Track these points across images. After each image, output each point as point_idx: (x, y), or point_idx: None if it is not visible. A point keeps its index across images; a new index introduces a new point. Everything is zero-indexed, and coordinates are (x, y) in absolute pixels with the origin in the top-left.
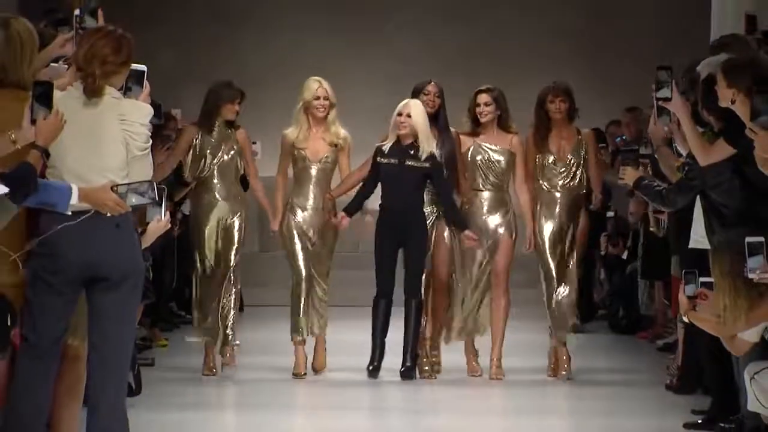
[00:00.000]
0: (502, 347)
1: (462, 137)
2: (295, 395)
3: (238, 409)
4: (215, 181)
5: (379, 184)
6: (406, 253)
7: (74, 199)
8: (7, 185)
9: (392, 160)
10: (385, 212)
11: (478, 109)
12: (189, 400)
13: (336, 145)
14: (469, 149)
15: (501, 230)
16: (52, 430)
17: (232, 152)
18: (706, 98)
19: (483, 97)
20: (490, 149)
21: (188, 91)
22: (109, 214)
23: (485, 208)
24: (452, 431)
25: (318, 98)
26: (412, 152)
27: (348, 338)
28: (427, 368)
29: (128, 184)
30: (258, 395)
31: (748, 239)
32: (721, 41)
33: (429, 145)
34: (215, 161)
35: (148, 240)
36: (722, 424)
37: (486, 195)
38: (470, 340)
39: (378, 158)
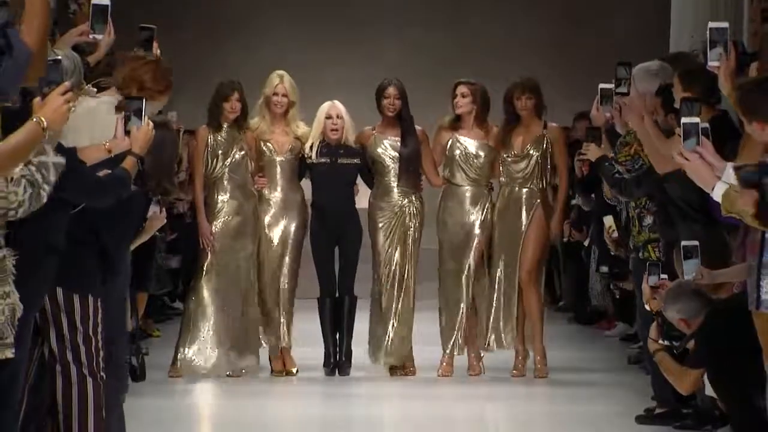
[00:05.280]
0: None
1: (442, 131)
2: (281, 386)
3: (228, 398)
4: (226, 181)
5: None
6: (341, 251)
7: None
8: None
9: (324, 160)
10: (319, 211)
11: (455, 100)
12: (181, 389)
13: (299, 138)
14: (447, 143)
15: (476, 228)
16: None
17: (241, 153)
18: (671, 105)
19: (461, 88)
20: (468, 143)
21: (178, 99)
22: None
23: (467, 204)
24: (425, 419)
25: (276, 94)
26: (342, 151)
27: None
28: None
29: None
30: (247, 386)
31: (683, 243)
32: (673, 55)
33: (352, 140)
34: (226, 162)
35: (146, 235)
36: (682, 410)
37: (466, 191)
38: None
39: (307, 159)
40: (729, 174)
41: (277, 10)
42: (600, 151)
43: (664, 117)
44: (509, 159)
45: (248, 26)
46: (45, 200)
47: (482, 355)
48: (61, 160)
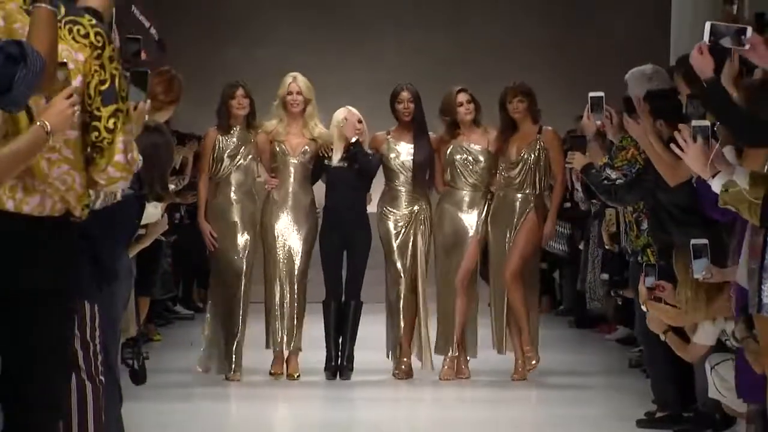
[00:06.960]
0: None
1: (441, 144)
2: (282, 389)
3: (229, 401)
4: (231, 183)
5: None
6: (349, 255)
7: None
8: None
9: (343, 164)
10: (331, 214)
11: (460, 108)
12: (183, 393)
13: (315, 140)
14: (448, 149)
15: (471, 232)
16: None
17: (250, 156)
18: (658, 111)
19: (464, 96)
20: (471, 149)
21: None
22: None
23: (464, 207)
24: (427, 422)
25: (291, 93)
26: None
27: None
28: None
29: None
30: (249, 389)
31: (692, 241)
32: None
33: (368, 147)
34: (234, 164)
35: (147, 241)
36: (683, 414)
37: (465, 195)
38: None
39: (326, 162)
40: (740, 173)
41: (278, 12)
42: (585, 159)
43: (652, 123)
44: (504, 166)
45: (248, 28)
46: None
47: (469, 359)
48: None
